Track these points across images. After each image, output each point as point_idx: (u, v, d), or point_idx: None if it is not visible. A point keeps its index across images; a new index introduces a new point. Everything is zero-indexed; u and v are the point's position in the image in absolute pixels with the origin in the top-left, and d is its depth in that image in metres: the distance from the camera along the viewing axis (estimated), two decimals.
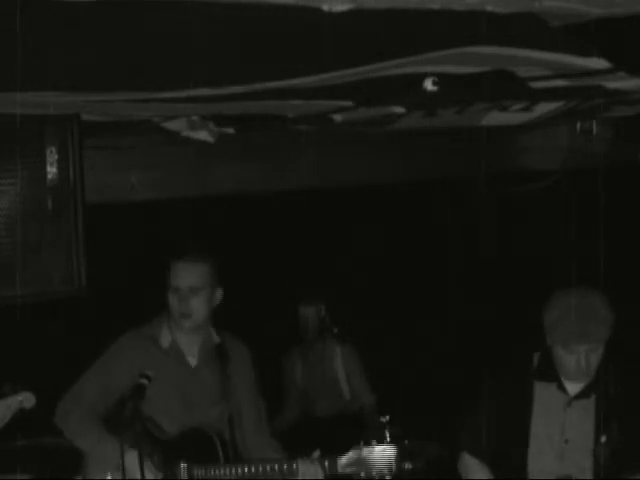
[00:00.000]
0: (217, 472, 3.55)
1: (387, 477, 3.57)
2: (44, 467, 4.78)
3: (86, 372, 3.83)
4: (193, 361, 3.83)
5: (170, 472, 3.58)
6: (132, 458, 3.35)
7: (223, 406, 3.75)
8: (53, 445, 4.95)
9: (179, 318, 3.76)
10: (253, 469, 3.54)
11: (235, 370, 3.81)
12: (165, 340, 3.82)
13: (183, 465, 3.55)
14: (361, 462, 3.54)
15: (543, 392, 3.50)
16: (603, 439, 3.39)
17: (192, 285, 3.74)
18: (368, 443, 3.61)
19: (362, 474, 3.51)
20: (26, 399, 3.43)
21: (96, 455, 3.64)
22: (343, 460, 3.54)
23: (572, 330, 3.31)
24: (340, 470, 3.54)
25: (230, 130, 4.30)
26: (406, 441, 5.23)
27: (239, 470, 3.53)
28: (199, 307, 3.76)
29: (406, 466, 5.01)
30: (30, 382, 3.60)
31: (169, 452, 3.61)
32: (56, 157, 3.62)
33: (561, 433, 3.44)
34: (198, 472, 3.55)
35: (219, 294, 3.84)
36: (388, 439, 5.26)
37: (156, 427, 3.66)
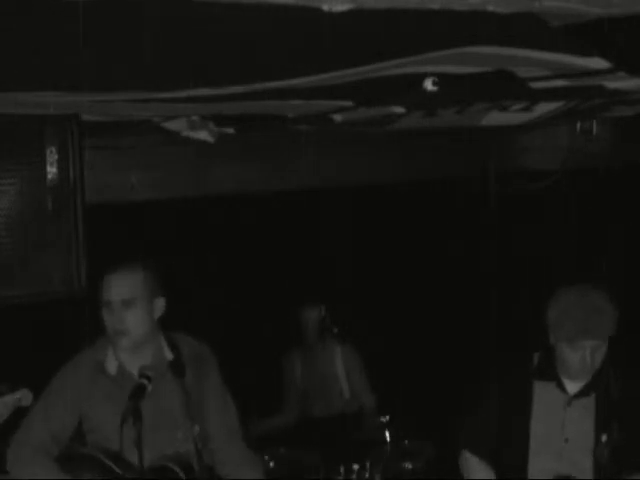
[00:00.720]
0: None
1: None
2: None
3: (30, 412, 3.48)
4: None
5: None
6: None
7: (187, 426, 3.34)
8: None
9: (114, 336, 3.40)
10: None
11: (195, 384, 3.44)
12: (111, 366, 3.47)
13: None
14: None
15: (543, 391, 3.50)
16: (604, 438, 3.39)
17: (125, 299, 3.38)
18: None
19: None
20: (24, 397, 3.43)
21: None
22: None
23: (577, 326, 3.32)
24: None
25: (230, 130, 4.30)
26: (406, 441, 5.24)
27: None
28: (135, 322, 3.39)
29: (406, 466, 5.01)
30: (30, 382, 3.61)
31: None
32: (56, 157, 3.63)
33: (561, 432, 3.44)
34: None
35: (160, 304, 3.47)
36: (388, 439, 5.28)
37: (123, 463, 3.33)
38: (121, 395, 3.28)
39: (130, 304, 3.39)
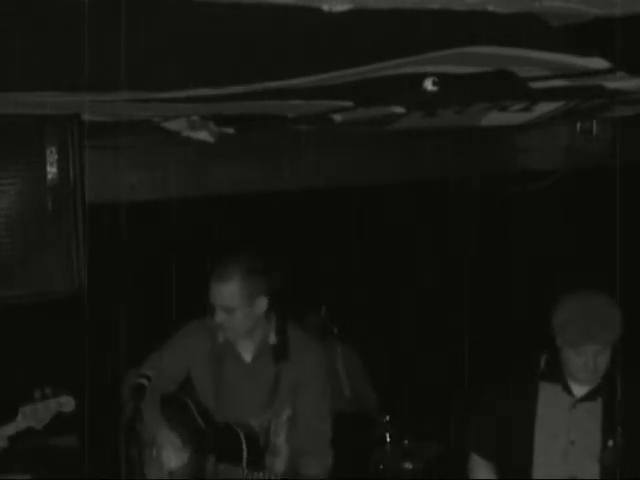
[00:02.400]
0: (237, 474, 3.62)
1: None
2: (44, 467, 4.78)
3: (153, 355, 3.88)
4: (248, 357, 3.80)
5: (199, 464, 3.67)
6: (167, 436, 3.63)
7: (274, 407, 3.74)
8: (53, 445, 4.96)
9: (218, 330, 3.75)
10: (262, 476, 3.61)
11: (291, 373, 3.75)
12: (221, 334, 3.79)
13: (211, 459, 3.64)
14: None
15: (548, 393, 3.50)
16: (610, 443, 3.39)
17: (225, 305, 3.67)
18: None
19: None
20: (66, 403, 3.50)
21: (146, 433, 3.76)
22: None
23: (581, 331, 3.32)
24: None
25: (230, 130, 4.30)
26: (406, 441, 5.25)
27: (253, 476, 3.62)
28: (233, 324, 3.70)
29: (406, 466, 5.02)
30: (30, 382, 3.61)
31: (203, 443, 3.69)
32: (56, 157, 3.62)
33: (566, 434, 3.44)
34: (222, 468, 3.64)
35: (263, 304, 3.73)
36: (388, 439, 5.28)
37: (205, 415, 3.74)
38: (222, 360, 3.77)
39: (230, 311, 3.67)
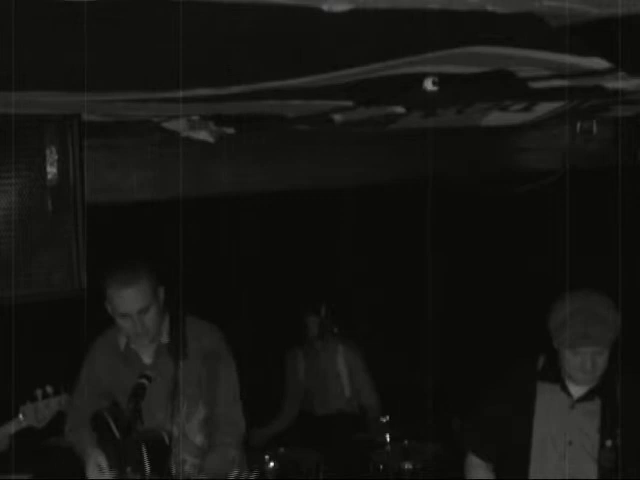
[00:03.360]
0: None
1: None
2: (44, 467, 4.78)
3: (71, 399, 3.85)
4: (148, 359, 3.83)
5: (122, 475, 3.61)
6: (92, 462, 3.58)
7: (176, 406, 3.73)
8: (53, 445, 4.95)
9: (136, 337, 3.75)
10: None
11: (193, 368, 3.76)
12: (121, 343, 3.86)
13: (128, 470, 3.57)
14: None
15: (546, 393, 3.50)
16: (608, 443, 3.38)
17: (140, 308, 3.67)
18: None
19: None
20: (66, 401, 3.48)
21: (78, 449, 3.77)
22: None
23: (578, 332, 3.31)
24: None
25: (230, 130, 4.30)
26: (406, 441, 5.24)
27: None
28: (153, 322, 3.72)
29: (406, 466, 5.02)
30: (30, 382, 3.61)
31: (119, 455, 3.61)
32: (56, 157, 3.62)
33: (564, 435, 3.44)
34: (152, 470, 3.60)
35: (162, 294, 3.77)
36: (388, 439, 5.28)
37: (121, 427, 3.64)
38: (126, 367, 3.78)
39: (146, 311, 3.67)
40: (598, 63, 3.00)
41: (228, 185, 4.67)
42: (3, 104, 3.24)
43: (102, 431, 3.62)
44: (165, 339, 3.81)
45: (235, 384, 3.85)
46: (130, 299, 3.66)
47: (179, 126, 4.15)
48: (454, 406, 5.54)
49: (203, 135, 4.27)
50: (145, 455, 3.57)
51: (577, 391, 3.46)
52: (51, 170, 3.63)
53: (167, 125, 4.11)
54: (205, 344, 3.80)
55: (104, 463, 3.58)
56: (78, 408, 3.82)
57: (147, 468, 3.56)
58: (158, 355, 3.80)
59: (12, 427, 3.47)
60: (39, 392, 3.49)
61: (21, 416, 3.47)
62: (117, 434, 3.63)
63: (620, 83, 3.43)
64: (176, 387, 3.71)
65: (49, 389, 3.51)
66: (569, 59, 2.92)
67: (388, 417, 5.35)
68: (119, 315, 3.70)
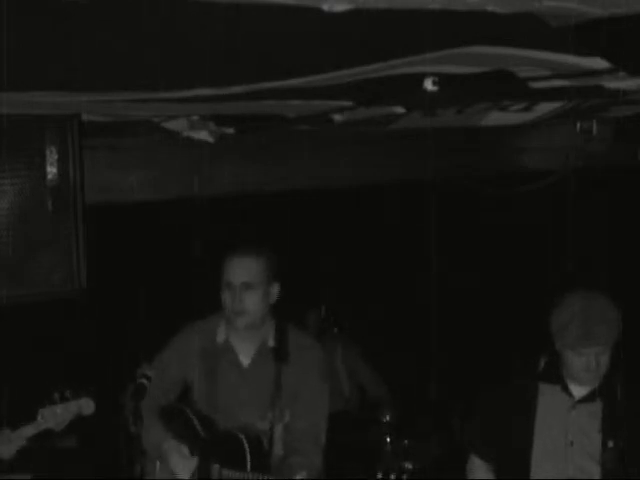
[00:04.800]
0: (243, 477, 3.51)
1: None
2: (44, 467, 4.78)
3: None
4: (246, 361, 3.72)
5: (204, 472, 3.56)
6: (173, 446, 3.53)
7: (276, 410, 3.64)
8: (53, 445, 4.95)
9: (233, 316, 3.63)
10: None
11: (292, 375, 3.67)
12: (220, 337, 3.73)
13: (216, 466, 3.53)
14: None
15: (548, 394, 3.49)
16: (610, 444, 3.38)
17: (246, 281, 3.60)
18: None
19: None
20: (86, 405, 3.46)
21: (148, 446, 3.63)
22: None
23: (580, 333, 3.31)
24: None
25: (230, 130, 4.30)
26: (406, 441, 5.25)
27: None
28: (253, 304, 3.62)
29: (406, 466, 5.01)
30: (30, 382, 3.61)
31: (206, 451, 3.58)
32: (56, 157, 3.63)
33: (565, 435, 3.43)
34: (227, 474, 3.52)
35: (276, 290, 3.70)
36: (388, 439, 5.28)
37: (205, 423, 3.64)
38: (220, 363, 3.68)
39: (250, 287, 3.60)
40: (598, 63, 3.00)
41: (228, 185, 4.67)
42: (4, 104, 3.24)
43: (182, 426, 3.59)
44: (271, 342, 3.70)
45: (324, 408, 3.77)
46: (238, 268, 3.60)
47: (179, 126, 4.15)
48: (454, 406, 5.54)
49: (203, 135, 4.27)
50: (247, 451, 3.51)
51: (578, 392, 3.46)
52: (51, 170, 3.63)
53: (167, 125, 4.11)
54: (306, 359, 3.73)
55: (187, 451, 3.55)
56: (152, 396, 3.65)
57: (248, 465, 3.51)
58: (259, 356, 3.69)
59: (30, 429, 3.43)
60: (57, 395, 3.46)
61: (39, 418, 3.44)
62: (201, 431, 3.60)
63: (620, 83, 3.43)
64: (277, 391, 3.63)
65: (68, 393, 3.47)
66: (569, 59, 2.92)
67: (388, 417, 5.34)
68: (224, 285, 3.63)
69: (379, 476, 5.08)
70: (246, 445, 3.55)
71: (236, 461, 3.53)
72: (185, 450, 3.56)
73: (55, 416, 3.41)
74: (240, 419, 3.64)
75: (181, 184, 4.62)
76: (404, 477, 5.02)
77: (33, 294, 3.72)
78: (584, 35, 2.54)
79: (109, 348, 5.85)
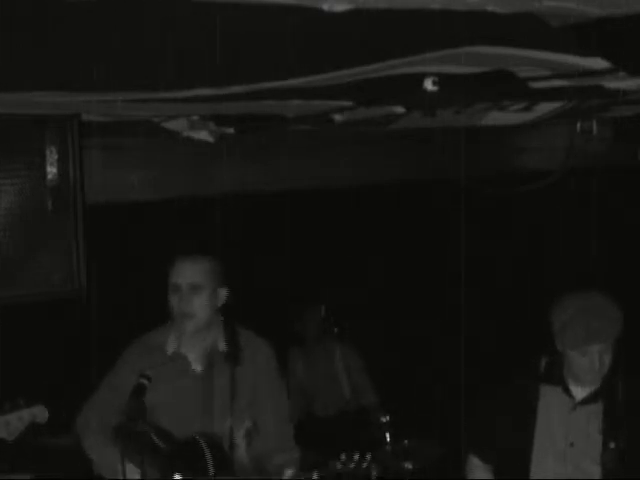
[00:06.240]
0: None
1: None
2: (44, 467, 4.78)
3: (99, 384, 3.77)
4: (198, 367, 3.71)
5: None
6: (132, 470, 3.38)
7: (228, 416, 3.60)
8: (53, 445, 4.95)
9: (180, 319, 3.63)
10: None
11: (246, 376, 3.66)
12: (170, 347, 3.72)
13: (177, 477, 3.41)
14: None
15: (548, 395, 3.49)
16: (611, 445, 3.38)
17: (193, 283, 3.62)
18: (349, 459, 3.49)
19: None
20: (39, 413, 3.39)
21: (103, 466, 3.63)
22: (319, 476, 3.46)
23: (582, 333, 3.31)
24: None
25: (230, 130, 4.30)
26: (406, 441, 5.24)
27: None
28: (201, 306, 3.63)
29: (406, 466, 5.01)
30: (29, 382, 3.60)
31: (167, 463, 3.45)
32: (56, 157, 3.63)
33: (566, 437, 3.43)
34: None
35: (223, 294, 3.71)
36: (388, 440, 5.28)
37: (162, 436, 3.51)
38: (172, 373, 3.62)
39: (197, 289, 3.62)
40: (598, 63, 3.00)
41: (228, 185, 4.67)
42: (3, 104, 3.24)
43: (139, 444, 3.45)
44: (222, 346, 3.69)
45: (285, 403, 3.81)
46: (185, 270, 3.63)
47: (179, 126, 4.15)
48: (454, 406, 5.54)
49: (203, 135, 4.27)
50: (208, 455, 3.41)
51: (579, 393, 3.46)
52: (51, 170, 3.63)
53: (167, 125, 4.11)
54: (258, 358, 3.73)
55: (138, 476, 3.43)
56: (99, 411, 3.67)
57: (211, 470, 3.41)
58: (211, 361, 3.68)
59: None
60: (7, 405, 3.37)
61: None
62: (160, 443, 3.45)
63: (620, 83, 3.43)
64: (234, 394, 3.60)
65: (21, 401, 3.39)
66: (569, 59, 2.92)
67: (388, 417, 5.34)
68: (171, 288, 3.63)
69: (378, 476, 5.07)
70: (206, 449, 3.45)
71: (198, 467, 3.44)
72: (137, 475, 3.43)
73: (8, 426, 3.31)
74: (198, 428, 3.53)
75: (181, 184, 4.62)
76: (404, 477, 5.01)
77: (33, 294, 3.72)
78: (584, 35, 2.54)
79: (108, 348, 5.85)
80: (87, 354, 5.94)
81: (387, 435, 5.28)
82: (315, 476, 3.49)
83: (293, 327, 6.12)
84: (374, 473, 3.57)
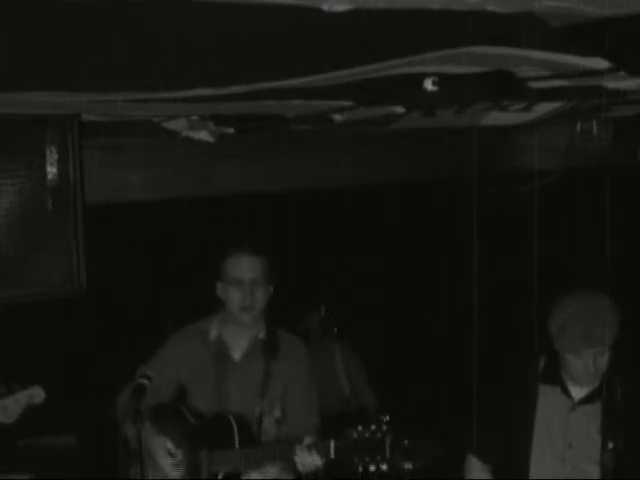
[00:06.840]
0: (232, 456, 3.59)
1: (381, 465, 3.52)
2: (44, 467, 4.78)
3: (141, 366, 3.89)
4: (237, 355, 3.86)
5: (193, 462, 3.63)
6: (159, 444, 3.58)
7: (259, 402, 3.76)
8: (53, 445, 4.96)
9: (240, 311, 3.80)
10: (259, 452, 3.55)
11: (281, 368, 3.81)
12: (213, 333, 3.87)
13: (204, 453, 3.59)
14: (354, 447, 3.48)
15: (547, 395, 3.49)
16: (610, 445, 3.38)
17: (255, 278, 3.78)
18: (365, 428, 3.56)
19: (355, 460, 3.43)
20: (36, 394, 3.45)
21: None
22: (336, 445, 3.53)
23: (579, 335, 3.31)
24: (333, 455, 3.53)
25: (230, 130, 4.29)
26: (406, 441, 5.24)
27: (248, 453, 3.56)
28: (261, 300, 3.80)
29: (406, 466, 5.02)
30: (29, 382, 3.60)
31: (195, 436, 3.65)
32: (56, 157, 3.63)
33: (564, 437, 3.43)
34: (217, 457, 3.59)
35: (271, 290, 3.88)
36: (388, 439, 5.27)
37: (196, 414, 3.72)
38: (211, 359, 3.80)
39: (258, 284, 3.79)
40: (598, 63, 3.00)
41: (228, 185, 4.67)
42: (3, 104, 3.24)
43: (175, 422, 3.65)
44: (262, 340, 3.85)
45: (315, 403, 3.95)
46: (247, 265, 3.78)
47: (179, 126, 4.15)
48: (454, 406, 5.54)
49: (203, 135, 4.27)
50: (235, 430, 3.59)
51: (578, 393, 3.46)
52: (51, 170, 3.63)
53: (167, 125, 4.11)
54: (293, 357, 3.87)
55: (172, 447, 3.63)
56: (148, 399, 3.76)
57: (237, 443, 3.59)
58: (250, 350, 3.83)
59: None
60: (3, 388, 3.43)
61: None
62: (191, 419, 3.67)
63: (620, 83, 3.43)
64: (266, 382, 3.76)
65: (15, 385, 3.46)
66: (569, 59, 2.92)
67: (388, 417, 5.34)
68: (232, 281, 3.77)
69: (378, 476, 5.08)
70: (234, 424, 3.63)
71: (224, 440, 3.60)
72: (170, 445, 3.64)
73: (5, 409, 3.39)
74: (230, 411, 3.71)
75: (181, 184, 4.62)
76: (404, 477, 5.01)
77: (33, 294, 3.72)
78: (584, 35, 2.54)
79: (108, 348, 5.85)
80: (87, 354, 5.94)
81: (387, 435, 5.27)
82: (332, 444, 3.57)
83: (293, 327, 6.12)
84: (388, 442, 3.61)
